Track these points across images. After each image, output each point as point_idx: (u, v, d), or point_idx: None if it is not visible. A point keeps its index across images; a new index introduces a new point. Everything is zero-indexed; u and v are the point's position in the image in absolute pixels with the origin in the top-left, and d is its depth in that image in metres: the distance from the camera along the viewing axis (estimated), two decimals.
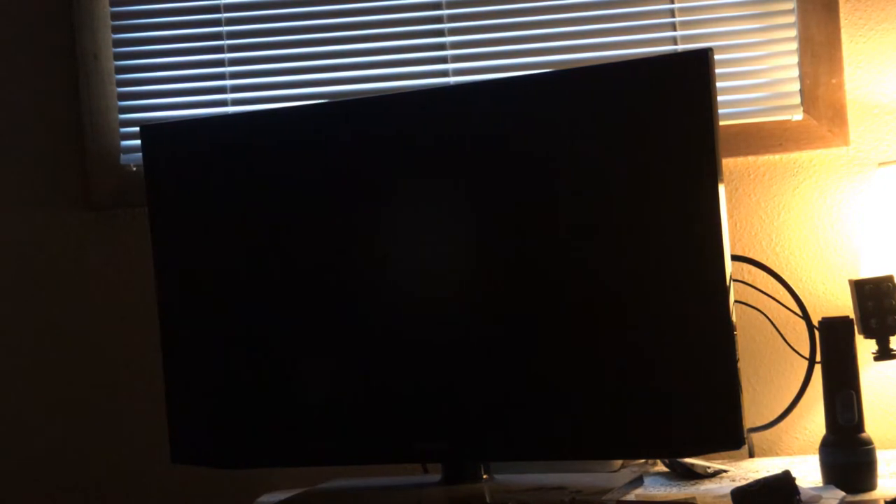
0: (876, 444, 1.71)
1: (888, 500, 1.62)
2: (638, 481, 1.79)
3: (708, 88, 1.60)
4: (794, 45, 2.14)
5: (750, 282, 2.04)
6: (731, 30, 2.16)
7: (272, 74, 2.26)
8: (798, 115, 2.13)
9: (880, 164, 2.06)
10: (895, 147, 2.11)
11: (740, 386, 1.59)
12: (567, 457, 1.78)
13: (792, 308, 1.99)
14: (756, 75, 2.16)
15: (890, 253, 1.97)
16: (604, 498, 1.63)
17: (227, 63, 2.27)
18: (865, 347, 1.85)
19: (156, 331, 1.91)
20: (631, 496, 1.71)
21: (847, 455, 1.69)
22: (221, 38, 2.27)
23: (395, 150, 1.77)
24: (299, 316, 1.81)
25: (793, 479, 1.56)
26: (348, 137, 1.80)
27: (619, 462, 1.91)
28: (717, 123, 1.61)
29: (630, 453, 1.81)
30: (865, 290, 1.86)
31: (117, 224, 2.26)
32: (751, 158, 2.14)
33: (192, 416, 1.89)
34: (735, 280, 1.92)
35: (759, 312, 2.02)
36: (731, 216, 2.11)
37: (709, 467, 1.86)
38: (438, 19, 2.24)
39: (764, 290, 2.02)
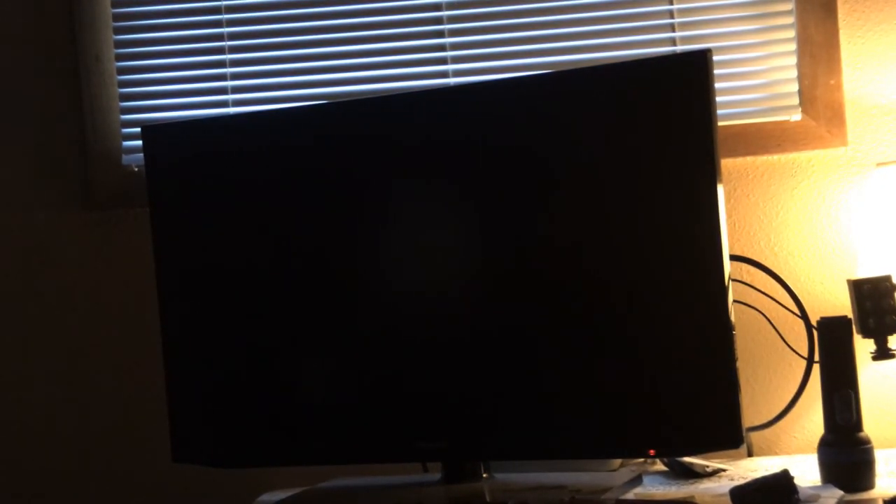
0: (874, 443, 1.71)
1: (886, 499, 1.63)
2: (637, 480, 1.79)
3: (707, 89, 1.60)
4: (793, 46, 2.14)
5: (748, 282, 2.05)
6: (729, 30, 2.17)
7: (273, 75, 2.26)
8: (796, 116, 2.13)
9: (878, 164, 2.06)
10: (893, 147, 2.11)
11: (739, 385, 1.59)
12: (567, 456, 1.78)
13: (790, 308, 1.99)
14: (754, 76, 2.16)
15: (888, 253, 1.97)
16: (603, 497, 1.64)
17: (228, 64, 2.27)
18: (864, 347, 1.85)
19: (157, 331, 1.91)
20: (630, 495, 1.71)
21: (845, 454, 1.70)
22: (223, 39, 2.28)
23: (396, 150, 1.77)
24: (300, 316, 1.82)
25: (791, 479, 1.56)
26: (349, 138, 1.80)
27: (618, 461, 1.91)
28: (716, 124, 1.61)
29: (629, 452, 1.82)
30: (864, 290, 1.86)
31: (118, 224, 2.26)
32: (749, 159, 2.15)
33: (193, 416, 1.89)
34: (734, 280, 1.92)
35: (757, 312, 2.03)
36: (729, 216, 2.11)
37: (707, 466, 1.86)
38: (438, 20, 2.24)
39: (762, 290, 2.02)
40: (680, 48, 2.16)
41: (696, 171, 1.61)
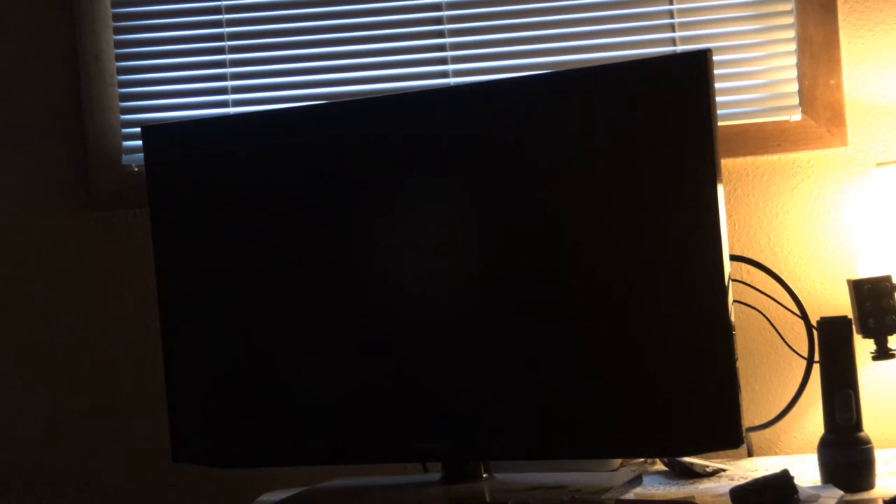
0: (874, 443, 1.71)
1: (886, 499, 1.63)
2: (637, 480, 1.79)
3: (707, 89, 1.60)
4: (793, 46, 2.14)
5: (749, 282, 2.05)
6: (729, 30, 2.17)
7: (273, 75, 2.26)
8: (796, 116, 2.13)
9: (878, 164, 2.06)
10: (893, 147, 2.11)
11: (739, 385, 1.59)
12: (567, 456, 1.78)
13: (790, 308, 1.99)
14: (755, 76, 2.16)
15: (888, 253, 1.97)
16: (603, 497, 1.64)
17: (228, 64, 2.27)
18: (864, 347, 1.85)
19: (156, 331, 1.91)
20: (630, 495, 1.71)
21: (845, 454, 1.70)
22: (223, 39, 2.28)
23: (395, 150, 1.77)
24: (300, 316, 1.82)
25: (791, 479, 1.56)
26: (349, 138, 1.80)
27: (618, 461, 1.91)
28: (716, 124, 1.61)
29: (629, 452, 1.82)
30: (864, 290, 1.86)
31: (118, 224, 2.26)
32: (749, 159, 2.15)
33: (193, 416, 1.89)
34: (734, 280, 1.93)
35: (757, 312, 2.03)
36: (729, 216, 2.11)
37: (707, 466, 1.86)
38: (438, 20, 2.24)
39: (763, 290, 2.02)
40: (680, 48, 2.16)
41: (697, 171, 1.61)
